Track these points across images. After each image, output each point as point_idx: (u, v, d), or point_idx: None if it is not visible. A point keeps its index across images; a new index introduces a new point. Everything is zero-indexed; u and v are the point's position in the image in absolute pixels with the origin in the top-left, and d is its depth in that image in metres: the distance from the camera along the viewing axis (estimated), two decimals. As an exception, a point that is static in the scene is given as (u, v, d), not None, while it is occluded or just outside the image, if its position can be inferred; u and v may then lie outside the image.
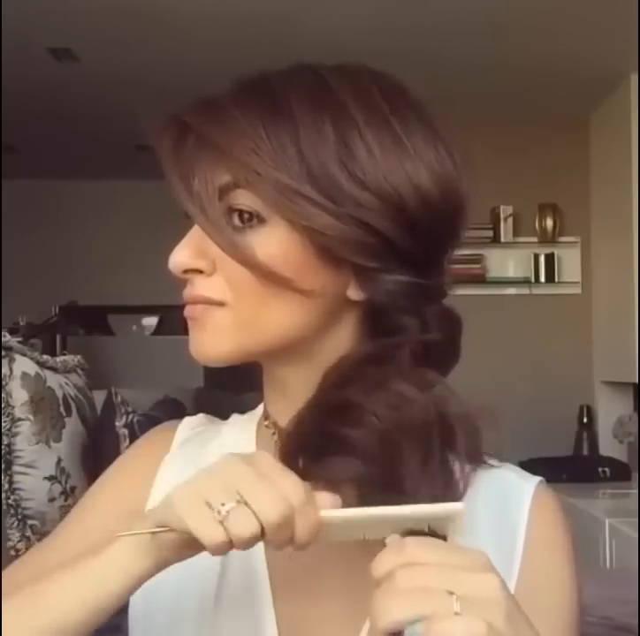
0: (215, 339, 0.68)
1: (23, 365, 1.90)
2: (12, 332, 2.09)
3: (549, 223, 4.67)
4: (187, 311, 0.69)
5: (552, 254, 4.67)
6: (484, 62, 3.99)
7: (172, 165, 0.66)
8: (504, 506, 0.74)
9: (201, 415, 0.85)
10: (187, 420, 0.84)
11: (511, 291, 4.76)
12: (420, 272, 0.68)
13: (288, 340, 0.68)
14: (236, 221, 0.66)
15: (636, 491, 3.31)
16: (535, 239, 4.71)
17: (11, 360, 1.90)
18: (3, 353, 1.89)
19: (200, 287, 0.68)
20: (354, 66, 0.73)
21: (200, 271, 0.67)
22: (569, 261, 4.71)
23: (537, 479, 0.77)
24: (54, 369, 2.02)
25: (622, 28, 3.50)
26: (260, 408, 0.80)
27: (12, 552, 1.87)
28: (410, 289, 0.67)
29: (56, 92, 4.41)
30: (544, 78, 4.16)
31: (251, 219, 0.66)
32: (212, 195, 0.65)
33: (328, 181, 0.64)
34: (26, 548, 1.88)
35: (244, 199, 0.66)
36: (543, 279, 4.67)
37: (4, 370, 1.87)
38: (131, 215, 6.40)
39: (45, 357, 2.02)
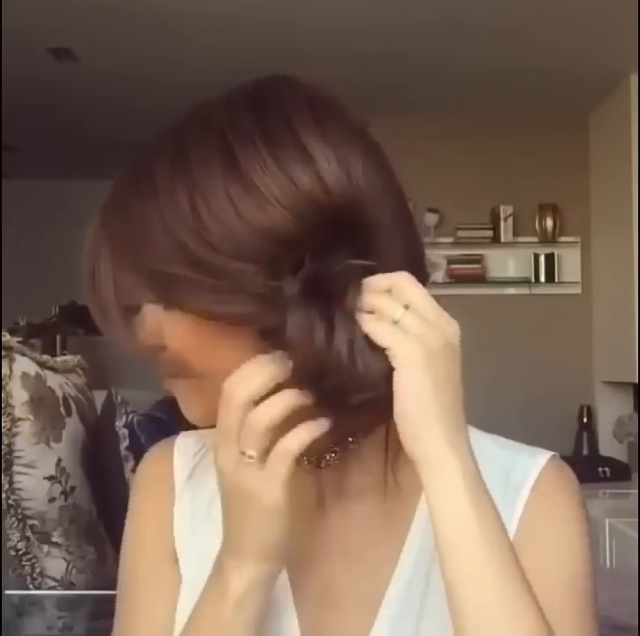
0: (185, 405, 0.71)
1: (23, 365, 1.90)
2: (12, 332, 2.10)
3: (549, 223, 4.68)
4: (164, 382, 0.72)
5: (552, 254, 4.68)
6: (484, 62, 3.99)
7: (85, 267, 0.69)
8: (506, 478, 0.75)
9: (191, 435, 0.83)
10: (180, 444, 0.82)
11: (511, 291, 4.76)
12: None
13: None
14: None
15: (636, 491, 3.31)
16: (535, 239, 4.71)
17: (11, 360, 1.90)
18: (4, 353, 1.89)
19: (161, 362, 0.70)
20: (208, 105, 0.67)
21: (159, 347, 0.69)
22: (569, 261, 4.71)
23: (547, 455, 0.77)
24: (54, 369, 2.02)
25: (622, 28, 3.50)
26: None
27: (12, 552, 1.87)
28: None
29: (56, 92, 4.41)
30: (544, 78, 4.16)
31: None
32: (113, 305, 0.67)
33: (192, 255, 0.62)
34: (27, 548, 1.88)
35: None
36: (543, 279, 4.67)
37: (4, 370, 1.87)
38: (131, 215, 6.41)
39: (45, 357, 2.02)
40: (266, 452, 0.62)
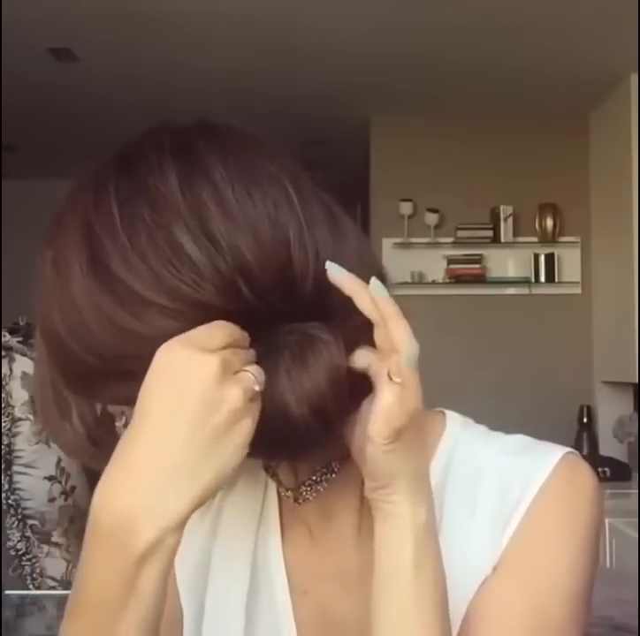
0: None
1: (23, 365, 1.91)
2: (12, 332, 2.10)
3: (549, 223, 4.68)
4: None
5: (552, 254, 4.68)
6: (485, 62, 3.99)
7: None
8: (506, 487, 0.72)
9: None
10: None
11: (511, 291, 4.76)
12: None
13: None
14: None
15: (636, 491, 3.31)
16: (535, 239, 4.71)
17: (11, 360, 1.90)
18: (3, 353, 1.89)
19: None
20: (81, 187, 0.67)
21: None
22: (569, 261, 4.71)
23: (557, 456, 0.72)
24: (54, 369, 2.02)
25: (622, 28, 3.50)
26: None
27: (12, 552, 1.87)
28: None
29: (56, 92, 4.41)
30: (544, 78, 4.16)
31: None
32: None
33: (92, 362, 0.62)
34: (27, 549, 1.88)
35: None
36: (543, 279, 4.67)
37: (4, 370, 1.88)
38: (131, 215, 6.40)
39: (45, 357, 2.02)
40: None
